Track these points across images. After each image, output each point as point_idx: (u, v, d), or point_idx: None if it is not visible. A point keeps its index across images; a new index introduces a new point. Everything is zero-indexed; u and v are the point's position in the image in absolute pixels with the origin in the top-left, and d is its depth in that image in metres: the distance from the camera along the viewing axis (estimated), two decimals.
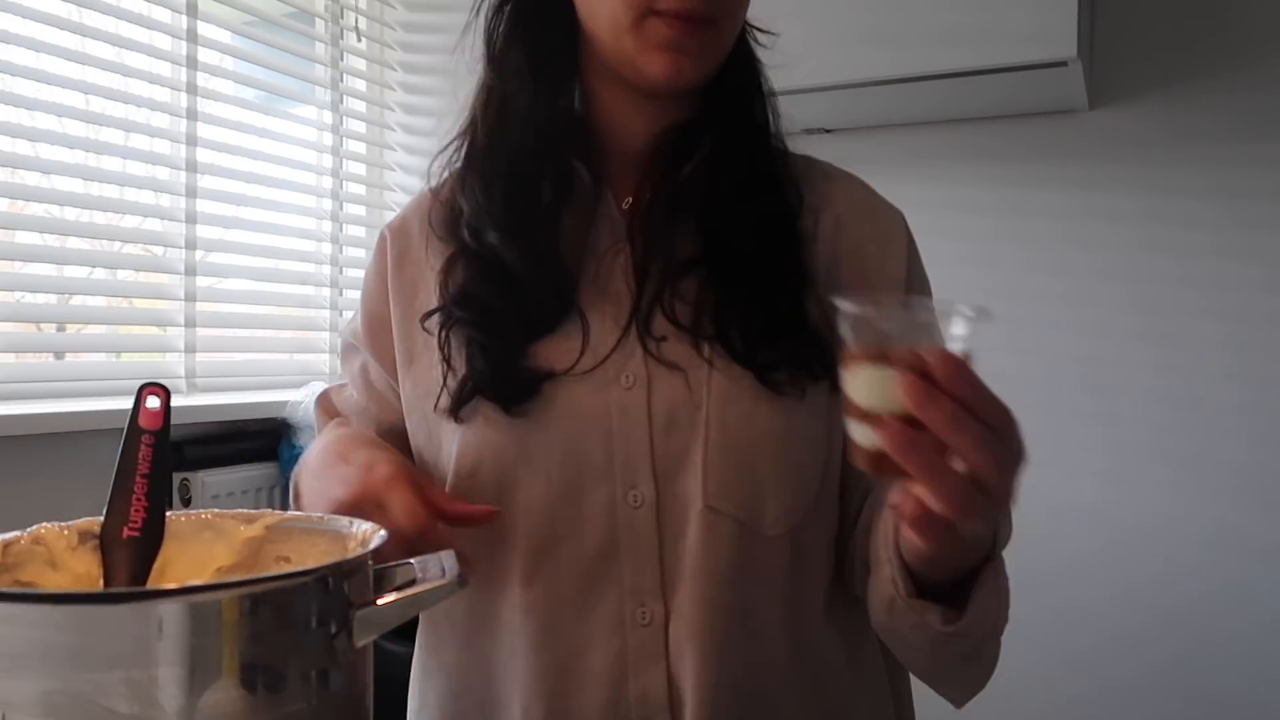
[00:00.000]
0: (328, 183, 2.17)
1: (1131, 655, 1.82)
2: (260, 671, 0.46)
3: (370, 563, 0.53)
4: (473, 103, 0.81)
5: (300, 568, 0.48)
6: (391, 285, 0.83)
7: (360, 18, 2.25)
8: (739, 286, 0.75)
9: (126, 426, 0.58)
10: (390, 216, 2.24)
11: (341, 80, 2.19)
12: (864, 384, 0.54)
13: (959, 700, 0.73)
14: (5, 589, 0.53)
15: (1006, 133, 1.94)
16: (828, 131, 2.04)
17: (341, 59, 2.20)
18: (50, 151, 1.62)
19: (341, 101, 2.19)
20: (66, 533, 0.59)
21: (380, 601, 0.51)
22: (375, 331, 0.85)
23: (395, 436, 0.84)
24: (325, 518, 0.63)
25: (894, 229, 0.83)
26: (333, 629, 0.48)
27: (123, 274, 1.84)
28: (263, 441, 1.94)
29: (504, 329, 0.76)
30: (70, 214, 1.67)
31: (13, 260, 1.64)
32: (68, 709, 0.42)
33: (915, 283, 0.82)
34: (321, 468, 0.78)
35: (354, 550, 0.57)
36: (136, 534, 0.57)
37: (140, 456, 0.57)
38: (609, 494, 0.74)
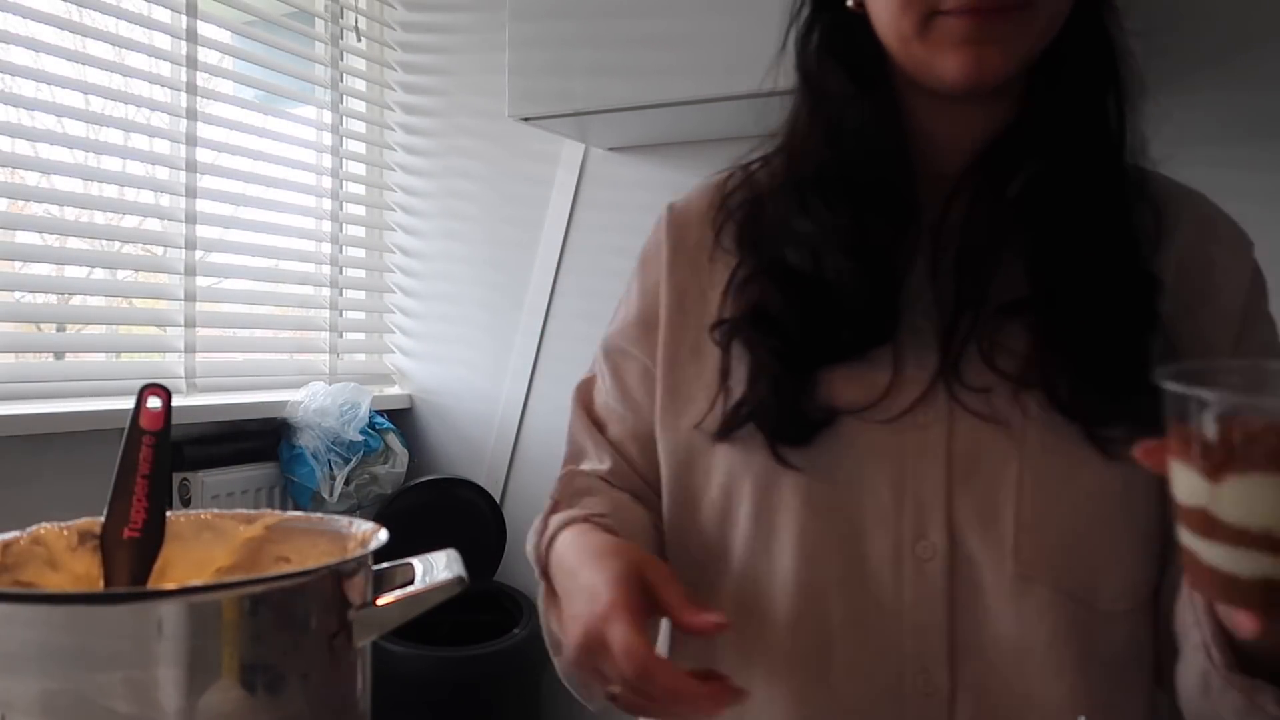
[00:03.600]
0: (328, 183, 2.17)
1: None
2: (260, 671, 0.46)
3: (370, 563, 0.53)
4: (792, 120, 0.74)
5: (300, 568, 0.48)
6: (666, 281, 0.77)
7: (360, 18, 2.25)
8: (1070, 331, 0.65)
9: (127, 427, 0.58)
10: (390, 217, 2.24)
11: (341, 80, 2.19)
12: (1247, 495, 0.40)
13: None
14: (5, 589, 0.53)
15: None
16: None
17: (341, 59, 2.20)
18: (50, 151, 1.62)
19: (341, 101, 2.19)
20: (66, 533, 0.59)
21: (380, 601, 0.51)
22: (649, 328, 0.77)
23: (651, 443, 0.77)
24: (325, 517, 0.63)
25: (1235, 255, 0.70)
26: (333, 629, 0.48)
27: (123, 274, 1.84)
28: (262, 441, 1.94)
29: (799, 357, 0.69)
30: (70, 214, 1.67)
31: (13, 260, 1.64)
32: (68, 709, 0.42)
33: (1251, 325, 0.68)
34: (573, 568, 0.67)
35: (354, 550, 0.57)
36: (137, 534, 0.56)
37: (141, 457, 0.57)
38: (894, 541, 0.66)
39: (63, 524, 0.60)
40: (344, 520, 0.61)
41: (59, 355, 1.79)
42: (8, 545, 0.57)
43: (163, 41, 1.78)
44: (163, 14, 1.77)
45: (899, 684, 0.65)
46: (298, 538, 0.62)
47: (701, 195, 0.79)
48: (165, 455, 0.58)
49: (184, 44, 1.78)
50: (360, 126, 2.27)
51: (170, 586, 0.57)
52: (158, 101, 1.77)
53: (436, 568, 0.54)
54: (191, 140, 1.80)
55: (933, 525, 0.65)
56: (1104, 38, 0.69)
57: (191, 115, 1.79)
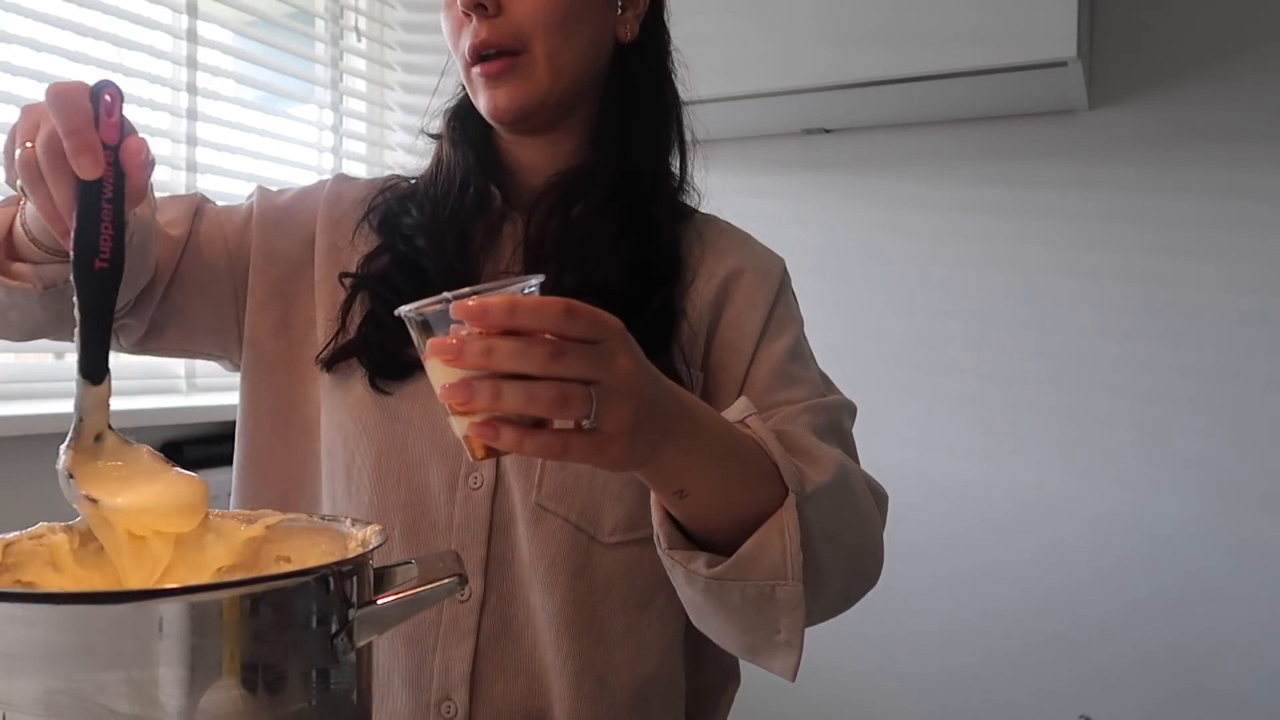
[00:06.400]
0: None
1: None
2: (261, 671, 0.46)
3: (370, 563, 0.54)
4: (433, 157, 0.97)
5: (300, 568, 0.48)
6: (323, 212, 0.93)
7: (360, 18, 2.25)
8: None
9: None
10: None
11: (341, 80, 2.19)
12: (433, 375, 0.52)
13: (785, 667, 0.69)
14: (6, 589, 0.53)
15: (1006, 133, 1.94)
16: (827, 132, 2.04)
17: (341, 59, 2.20)
18: None
19: (341, 101, 2.19)
20: (67, 533, 0.59)
21: (380, 601, 0.51)
22: (268, 225, 0.92)
23: (203, 271, 0.89)
24: (325, 517, 0.63)
25: (770, 273, 0.91)
26: (333, 629, 0.48)
27: None
28: None
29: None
30: None
31: None
32: (69, 708, 0.43)
33: (776, 317, 0.89)
34: None
35: (354, 550, 0.57)
36: (106, 265, 0.54)
37: (105, 178, 0.53)
38: (453, 472, 0.82)
39: (63, 524, 0.60)
40: (344, 520, 0.62)
41: (59, 355, 1.79)
42: (9, 545, 0.57)
43: (163, 41, 1.78)
44: (163, 14, 1.77)
45: None
46: (298, 538, 0.62)
47: (367, 183, 0.98)
48: (122, 176, 0.54)
49: (184, 44, 1.79)
50: (360, 126, 2.27)
51: (171, 586, 0.57)
52: (158, 102, 1.77)
53: (436, 567, 0.54)
54: (192, 140, 1.80)
55: (484, 462, 0.80)
56: (650, 90, 0.90)
57: (192, 115, 1.79)
